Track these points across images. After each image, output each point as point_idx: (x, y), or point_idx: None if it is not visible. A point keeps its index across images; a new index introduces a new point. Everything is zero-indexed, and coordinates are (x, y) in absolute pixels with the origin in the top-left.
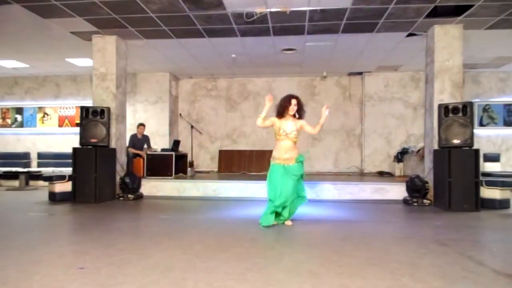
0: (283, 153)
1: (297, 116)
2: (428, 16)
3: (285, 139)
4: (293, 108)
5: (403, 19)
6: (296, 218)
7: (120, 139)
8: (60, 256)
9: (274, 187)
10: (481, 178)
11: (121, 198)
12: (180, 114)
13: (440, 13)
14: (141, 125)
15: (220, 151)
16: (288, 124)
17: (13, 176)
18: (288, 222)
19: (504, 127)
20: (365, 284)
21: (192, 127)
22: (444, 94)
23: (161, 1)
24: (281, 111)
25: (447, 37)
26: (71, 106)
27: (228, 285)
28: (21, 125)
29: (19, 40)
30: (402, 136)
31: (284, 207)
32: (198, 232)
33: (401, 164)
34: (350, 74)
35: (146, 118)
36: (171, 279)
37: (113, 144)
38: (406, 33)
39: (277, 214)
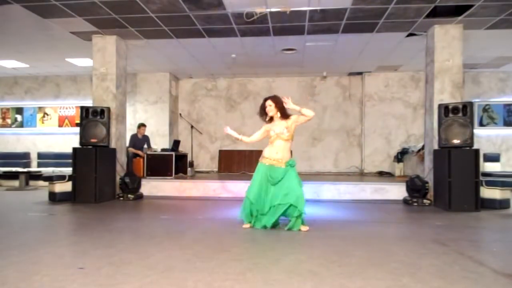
0: (274, 153)
1: (279, 115)
2: (428, 16)
3: (276, 138)
4: (268, 109)
5: (403, 19)
6: None
7: (120, 139)
8: (60, 256)
9: (252, 186)
10: (481, 178)
11: (121, 198)
12: (180, 114)
13: (440, 13)
14: (142, 125)
15: (220, 151)
16: (277, 125)
17: (13, 176)
18: (304, 228)
19: (504, 127)
20: (365, 284)
21: (192, 127)
22: (444, 94)
23: (161, 1)
24: (264, 116)
25: (447, 37)
26: (71, 106)
27: (228, 285)
28: (21, 125)
29: (19, 40)
30: (402, 136)
31: (261, 214)
32: (198, 232)
33: (401, 164)
34: (350, 74)
35: (146, 118)
36: (171, 279)
37: (113, 144)
38: (406, 33)
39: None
